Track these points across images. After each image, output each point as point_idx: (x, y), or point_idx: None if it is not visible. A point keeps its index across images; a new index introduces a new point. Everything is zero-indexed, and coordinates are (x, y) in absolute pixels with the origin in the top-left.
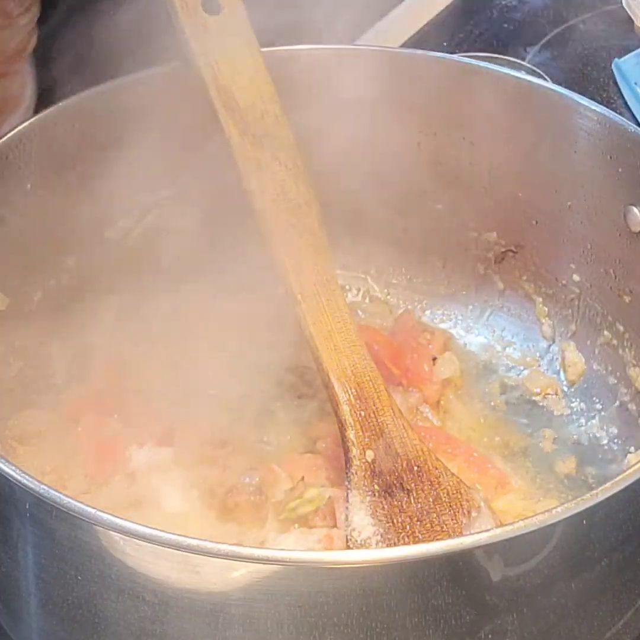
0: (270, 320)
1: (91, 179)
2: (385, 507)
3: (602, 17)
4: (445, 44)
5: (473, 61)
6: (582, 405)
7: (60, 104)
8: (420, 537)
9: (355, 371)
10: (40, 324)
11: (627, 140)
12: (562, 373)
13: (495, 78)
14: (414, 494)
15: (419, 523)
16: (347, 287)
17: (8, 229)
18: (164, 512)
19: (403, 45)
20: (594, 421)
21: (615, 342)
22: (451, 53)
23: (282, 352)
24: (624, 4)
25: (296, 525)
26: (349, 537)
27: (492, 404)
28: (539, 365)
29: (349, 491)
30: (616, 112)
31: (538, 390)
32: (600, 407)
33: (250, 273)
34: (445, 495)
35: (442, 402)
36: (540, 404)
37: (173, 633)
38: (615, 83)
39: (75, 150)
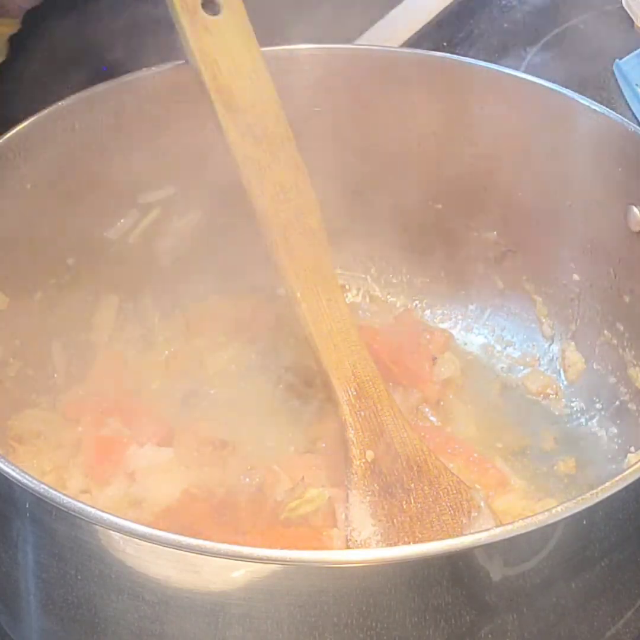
0: (270, 320)
1: (91, 179)
2: (385, 507)
3: (602, 17)
4: (445, 44)
5: (473, 61)
6: (582, 404)
7: (60, 103)
8: (420, 537)
9: (355, 371)
10: (40, 324)
11: (627, 140)
12: (562, 372)
13: (495, 78)
14: (414, 494)
15: (419, 523)
16: (347, 287)
17: (8, 228)
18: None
19: (403, 45)
20: (594, 421)
21: (615, 341)
22: (451, 53)
23: (282, 352)
24: (624, 4)
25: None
26: (349, 537)
27: (492, 404)
28: (539, 365)
29: (349, 491)
30: (616, 112)
31: (538, 389)
32: (600, 406)
33: (251, 273)
34: (445, 495)
35: (442, 402)
36: (540, 403)
37: (173, 633)
38: (616, 83)
39: (75, 150)
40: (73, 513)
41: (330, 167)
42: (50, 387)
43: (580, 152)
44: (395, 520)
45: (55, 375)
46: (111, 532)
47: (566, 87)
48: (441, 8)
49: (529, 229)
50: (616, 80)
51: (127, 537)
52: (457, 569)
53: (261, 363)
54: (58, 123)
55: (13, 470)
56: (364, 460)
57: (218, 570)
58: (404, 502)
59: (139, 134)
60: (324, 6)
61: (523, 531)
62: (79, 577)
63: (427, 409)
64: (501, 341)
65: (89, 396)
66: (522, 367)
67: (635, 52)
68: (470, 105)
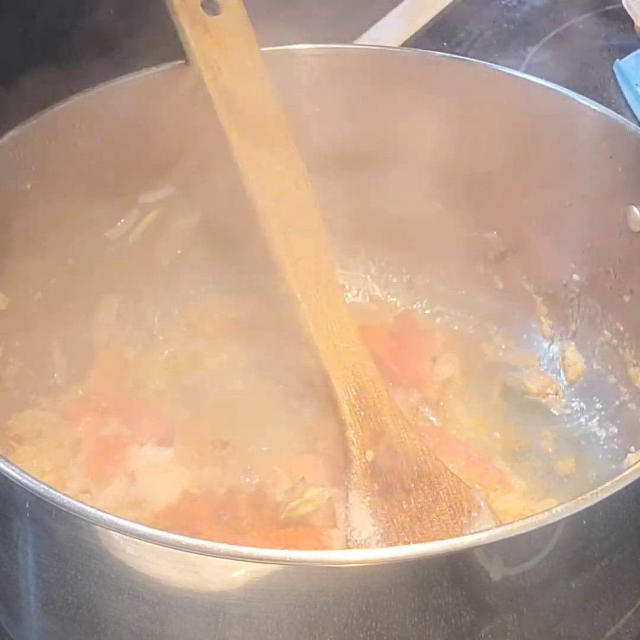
0: (270, 320)
1: (91, 179)
2: (385, 507)
3: (602, 17)
4: (445, 44)
5: (473, 61)
6: (582, 404)
7: (60, 103)
8: (420, 537)
9: (355, 371)
10: (40, 324)
11: (627, 140)
12: (562, 373)
13: (495, 78)
14: (414, 494)
15: (419, 523)
16: (347, 287)
17: (8, 229)
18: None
19: (403, 45)
20: (594, 421)
21: (615, 341)
22: (451, 53)
23: (282, 352)
24: (624, 4)
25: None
26: (349, 537)
27: (492, 404)
28: (539, 365)
29: (349, 491)
30: (616, 112)
31: (538, 390)
32: (600, 406)
33: (250, 273)
34: (445, 495)
35: (442, 402)
36: (540, 403)
37: (173, 633)
38: (616, 83)
39: (75, 150)
40: (73, 513)
41: (330, 166)
42: (50, 387)
43: (580, 152)
44: (395, 520)
45: (55, 375)
46: (111, 532)
47: (566, 87)
48: (441, 8)
49: (529, 229)
50: (616, 80)
51: (127, 537)
52: (457, 569)
53: (261, 363)
54: (58, 123)
55: (13, 470)
56: (364, 460)
57: (218, 570)
58: (404, 502)
59: (139, 134)
60: (324, 6)
61: (523, 531)
62: (79, 577)
63: (427, 409)
64: (501, 341)
65: (89, 396)
66: (522, 367)
67: (635, 52)
68: (470, 105)
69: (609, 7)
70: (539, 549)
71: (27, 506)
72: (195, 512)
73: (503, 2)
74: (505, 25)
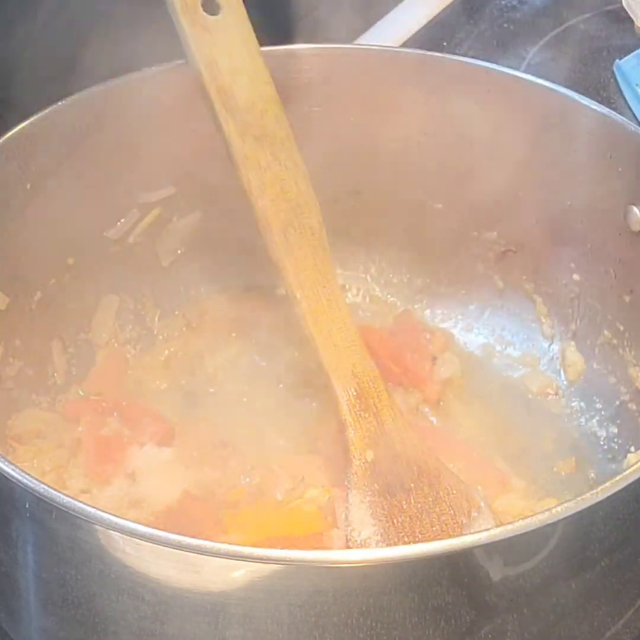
0: (270, 320)
1: (91, 179)
2: (385, 507)
3: (602, 17)
4: (445, 44)
5: (473, 61)
6: (582, 404)
7: (59, 103)
8: (420, 537)
9: (355, 371)
10: (40, 324)
11: (627, 140)
12: (562, 372)
13: (495, 78)
14: (414, 494)
15: (419, 523)
16: (347, 287)
17: (8, 228)
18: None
19: (403, 45)
20: (594, 421)
21: (615, 341)
22: (451, 53)
23: (282, 352)
24: (624, 4)
25: None
26: (349, 537)
27: (492, 404)
28: (539, 365)
29: (349, 491)
30: (616, 112)
31: (538, 389)
32: (600, 406)
33: (250, 273)
34: (445, 495)
35: (442, 402)
36: (540, 403)
37: (173, 633)
38: (616, 83)
39: (75, 150)
40: (73, 513)
41: (330, 167)
42: (50, 387)
43: (580, 152)
44: (395, 520)
45: (55, 375)
46: (111, 532)
47: (566, 87)
48: (441, 8)
49: (529, 229)
50: (616, 80)
51: (127, 537)
52: (457, 569)
53: (261, 363)
54: (58, 123)
55: (13, 470)
56: (364, 460)
57: (218, 570)
58: (404, 502)
59: (139, 134)
60: (324, 6)
61: (523, 531)
62: (79, 577)
63: (427, 409)
64: (501, 341)
65: (89, 396)
66: (522, 367)
67: (635, 52)
68: (470, 105)
69: (609, 7)
70: (539, 549)
71: (27, 506)
72: (195, 512)
73: (503, 2)
74: (505, 25)
